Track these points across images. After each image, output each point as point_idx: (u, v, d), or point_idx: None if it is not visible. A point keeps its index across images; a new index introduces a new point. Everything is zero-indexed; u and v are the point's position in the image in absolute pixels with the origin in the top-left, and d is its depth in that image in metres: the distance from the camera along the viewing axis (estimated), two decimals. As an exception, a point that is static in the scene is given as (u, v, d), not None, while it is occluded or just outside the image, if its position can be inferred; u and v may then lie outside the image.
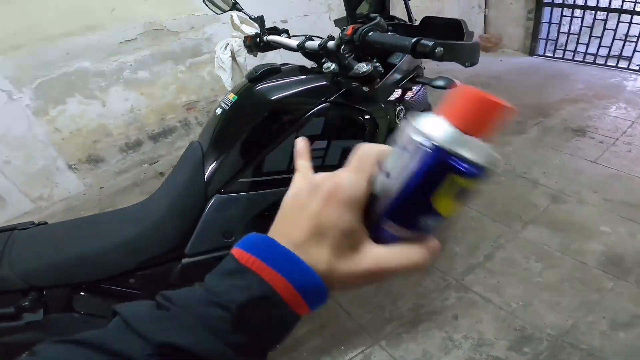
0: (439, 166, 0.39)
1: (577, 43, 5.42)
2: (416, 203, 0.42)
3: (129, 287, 1.40)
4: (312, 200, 0.44)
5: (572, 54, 5.47)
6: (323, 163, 1.50)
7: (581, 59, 5.42)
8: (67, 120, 3.39)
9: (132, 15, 3.42)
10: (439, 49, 1.14)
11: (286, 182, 1.37)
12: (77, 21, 3.19)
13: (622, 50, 5.11)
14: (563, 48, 5.61)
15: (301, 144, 0.54)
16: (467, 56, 1.41)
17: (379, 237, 0.45)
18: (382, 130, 1.66)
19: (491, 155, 0.41)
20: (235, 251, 0.43)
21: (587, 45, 5.32)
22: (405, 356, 2.27)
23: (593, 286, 2.49)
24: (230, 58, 2.71)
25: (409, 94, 1.82)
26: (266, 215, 1.52)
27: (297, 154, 0.53)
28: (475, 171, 0.40)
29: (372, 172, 0.45)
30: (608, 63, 5.22)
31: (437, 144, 0.39)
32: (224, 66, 2.71)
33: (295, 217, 0.44)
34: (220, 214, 1.44)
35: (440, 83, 1.57)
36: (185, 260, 1.44)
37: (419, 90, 1.90)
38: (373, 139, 1.61)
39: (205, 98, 4.01)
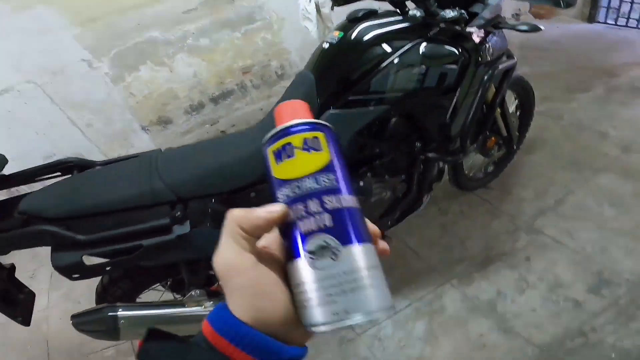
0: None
1: None
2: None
3: (251, 201, 1.50)
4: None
5: (636, 22, 4.99)
6: (422, 86, 1.65)
7: None
8: (141, 86, 3.45)
9: (192, -15, 3.61)
10: None
11: (386, 101, 1.60)
12: (144, -8, 3.37)
13: None
14: (626, 16, 5.11)
15: None
16: None
17: None
18: (473, 65, 1.76)
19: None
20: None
21: None
22: (479, 295, 2.18)
23: (670, 233, 2.34)
24: (315, 10, 2.87)
25: (491, 38, 1.86)
26: (365, 133, 1.66)
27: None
28: (284, 132, 0.45)
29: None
30: None
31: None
32: (310, 17, 2.90)
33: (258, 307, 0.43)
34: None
35: (524, 27, 1.76)
36: None
37: (501, 36, 1.95)
38: (466, 70, 1.74)
39: (259, 62, 3.98)
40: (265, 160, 0.45)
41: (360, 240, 0.41)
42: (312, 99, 1.54)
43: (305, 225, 0.41)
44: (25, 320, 1.51)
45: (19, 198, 1.37)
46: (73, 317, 1.46)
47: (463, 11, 1.61)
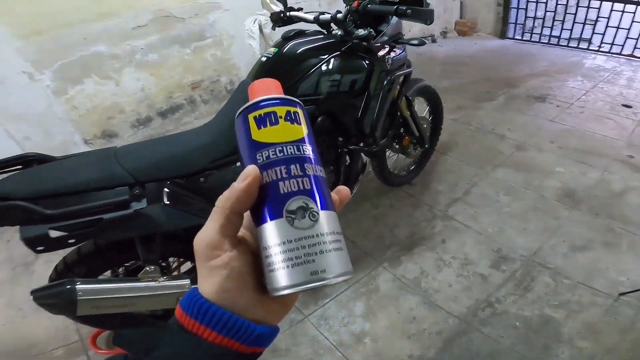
0: (241, 121, 0.47)
1: (543, 27, 5.55)
2: (247, 150, 0.47)
3: (199, 185, 1.60)
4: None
5: (539, 36, 5.56)
6: (338, 90, 1.90)
7: (547, 41, 5.52)
8: (84, 99, 3.31)
9: (142, 3, 3.40)
10: (409, 11, 1.69)
11: (313, 102, 1.84)
12: (93, 8, 3.15)
13: (582, 33, 5.27)
14: (530, 31, 5.69)
15: None
16: (427, 16, 1.73)
17: None
18: (377, 73, 2.04)
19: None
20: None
21: (551, 28, 5.45)
22: (406, 274, 2.36)
23: (552, 214, 2.65)
24: (258, 30, 3.10)
25: (393, 52, 2.16)
26: None
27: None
28: (265, 102, 0.46)
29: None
30: (570, 45, 5.38)
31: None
32: (254, 35, 3.12)
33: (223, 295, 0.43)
34: None
35: (415, 42, 2.15)
36: (239, 164, 1.62)
37: (401, 50, 2.24)
38: (371, 76, 2.02)
39: (209, 77, 3.97)
40: (239, 127, 0.46)
41: (332, 207, 0.43)
42: None
43: (286, 186, 0.41)
44: None
45: None
46: (33, 291, 1.44)
47: (371, 30, 1.89)
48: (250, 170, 0.42)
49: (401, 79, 2.29)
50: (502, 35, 5.93)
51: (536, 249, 2.42)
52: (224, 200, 0.42)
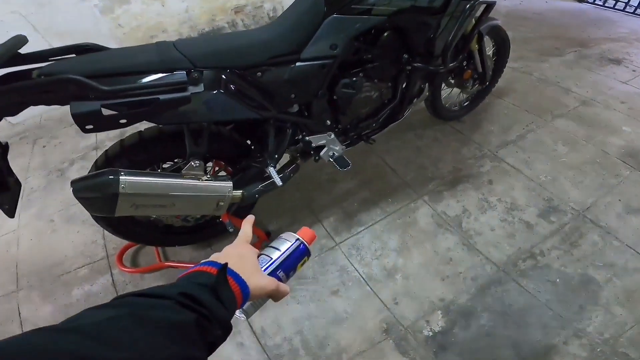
0: (304, 253, 0.71)
1: None
2: (293, 266, 0.69)
3: (256, 79, 1.43)
4: (238, 249, 0.66)
5: (624, 5, 4.43)
6: (414, 4, 1.58)
7: (632, 11, 4.40)
8: (130, 18, 3.08)
9: None
10: None
11: (383, 13, 1.52)
12: None
13: None
14: None
15: (250, 218, 0.76)
16: None
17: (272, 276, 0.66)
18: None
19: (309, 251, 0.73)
20: (199, 268, 0.56)
21: None
22: (447, 211, 1.99)
23: (612, 172, 2.18)
24: None
25: None
26: (360, 39, 1.60)
27: (245, 221, 0.74)
28: (308, 257, 0.72)
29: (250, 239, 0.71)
30: None
31: (306, 244, 0.71)
32: None
33: (230, 256, 0.62)
34: (332, 29, 1.48)
35: None
36: (298, 64, 1.48)
37: None
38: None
39: (252, 3, 3.58)
40: (301, 256, 0.71)
41: None
42: (320, 5, 1.44)
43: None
44: (11, 211, 1.26)
45: (35, 69, 1.18)
46: (73, 182, 1.27)
47: None
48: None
49: (482, 8, 1.89)
50: None
51: (589, 205, 2.00)
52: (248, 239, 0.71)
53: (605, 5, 4.64)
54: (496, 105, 2.73)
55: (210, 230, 1.89)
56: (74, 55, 1.28)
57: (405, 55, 1.76)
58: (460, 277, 1.73)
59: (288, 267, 0.68)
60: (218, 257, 0.61)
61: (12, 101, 1.13)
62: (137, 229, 1.69)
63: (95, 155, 2.61)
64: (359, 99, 1.74)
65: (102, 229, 1.69)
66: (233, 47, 1.38)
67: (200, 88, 1.28)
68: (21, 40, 1.14)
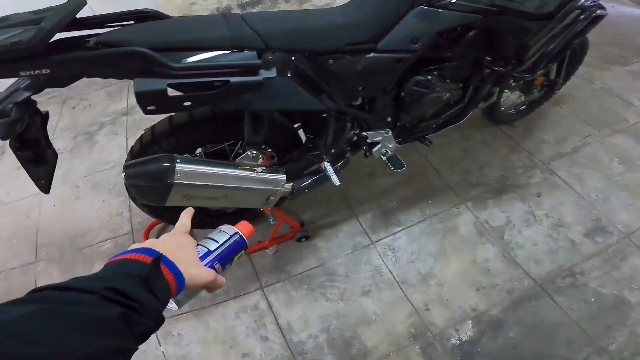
0: (242, 246, 0.72)
1: None
2: (230, 258, 0.70)
3: (328, 67, 1.35)
4: (176, 238, 0.65)
5: None
6: (519, 7, 1.44)
7: None
8: None
9: None
10: None
11: (480, 11, 1.40)
12: None
13: None
14: None
15: (189, 211, 0.75)
16: None
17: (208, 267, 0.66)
18: (573, 3, 1.58)
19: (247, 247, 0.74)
20: (134, 255, 0.54)
21: None
22: (489, 221, 1.95)
23: (667, 196, 2.10)
24: None
25: None
26: (444, 35, 1.52)
27: (184, 213, 0.74)
28: (245, 250, 0.73)
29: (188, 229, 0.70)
30: None
31: (244, 238, 0.72)
32: None
33: (166, 244, 0.60)
34: (418, 21, 1.38)
35: None
36: (372, 55, 1.39)
37: None
38: (565, 6, 1.55)
39: None
40: (239, 248, 0.72)
41: None
42: None
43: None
44: (46, 186, 1.25)
45: (91, 36, 1.13)
46: (126, 167, 1.22)
47: None
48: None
49: (591, 18, 1.75)
50: None
51: (637, 228, 1.92)
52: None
53: None
54: (552, 112, 2.61)
55: (247, 216, 1.86)
56: (132, 22, 1.24)
57: (488, 58, 1.66)
58: (496, 289, 1.71)
59: (224, 259, 0.68)
60: (154, 243, 0.60)
61: (67, 73, 1.09)
62: (173, 210, 1.68)
63: (126, 120, 2.60)
64: (428, 98, 1.64)
65: (128, 200, 1.66)
66: (308, 28, 1.31)
67: (272, 73, 1.20)
68: (80, 3, 1.09)
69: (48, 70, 1.00)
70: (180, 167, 1.20)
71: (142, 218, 1.98)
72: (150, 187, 1.23)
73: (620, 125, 2.51)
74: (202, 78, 1.11)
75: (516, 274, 1.75)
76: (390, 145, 1.73)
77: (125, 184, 1.26)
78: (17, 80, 1.10)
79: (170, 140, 1.39)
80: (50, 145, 1.26)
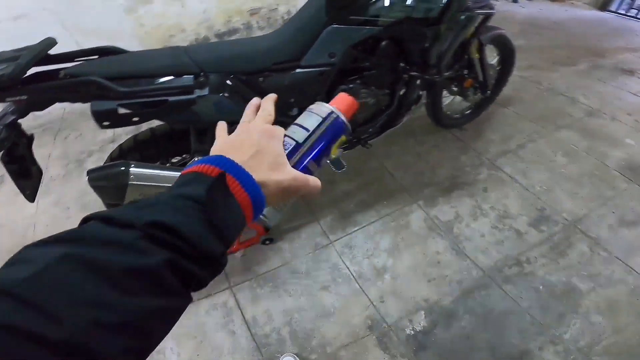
0: (341, 129, 0.55)
1: None
2: (327, 150, 0.54)
3: (259, 84, 1.56)
4: (253, 134, 0.50)
5: None
6: (410, 15, 1.67)
7: None
8: (152, 18, 3.28)
9: None
10: None
11: (381, 24, 1.63)
12: None
13: None
14: (638, 8, 4.50)
15: (254, 102, 0.59)
16: None
17: (298, 168, 0.52)
18: (455, 6, 1.74)
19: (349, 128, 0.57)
20: (191, 169, 0.43)
21: None
22: (439, 216, 2.11)
23: (609, 184, 2.26)
24: None
25: None
26: (358, 48, 1.71)
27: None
28: (348, 134, 0.57)
29: (272, 116, 0.55)
30: None
31: (342, 117, 0.56)
32: None
33: (242, 145, 0.48)
34: (331, 38, 1.60)
35: None
36: (298, 70, 1.61)
37: None
38: (448, 8, 1.73)
39: (268, 5, 3.75)
40: (337, 131, 0.56)
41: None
42: (321, 15, 1.58)
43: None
44: (31, 196, 1.47)
45: (63, 69, 1.36)
46: (89, 171, 1.44)
47: None
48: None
49: (479, 19, 1.97)
50: (603, 7, 4.77)
51: (582, 216, 2.09)
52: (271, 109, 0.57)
53: (628, 14, 4.61)
54: (500, 114, 2.82)
55: None
56: (97, 57, 1.46)
57: (402, 64, 1.88)
58: (446, 280, 1.85)
59: (319, 152, 0.53)
60: (225, 144, 0.50)
61: (41, 98, 1.32)
62: None
63: (112, 148, 2.77)
64: None
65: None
66: (238, 54, 1.53)
67: (205, 91, 1.44)
68: (51, 43, 1.32)
69: (25, 97, 1.25)
70: (133, 170, 1.42)
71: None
72: (109, 187, 1.44)
73: (565, 121, 2.72)
74: (146, 99, 1.36)
75: (465, 264, 1.89)
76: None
77: (90, 185, 1.46)
78: (5, 106, 1.33)
79: (135, 154, 1.63)
80: (34, 162, 1.49)
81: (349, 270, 1.91)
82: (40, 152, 2.83)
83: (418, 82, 1.98)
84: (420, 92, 2.12)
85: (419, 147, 2.56)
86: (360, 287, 1.85)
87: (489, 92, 2.45)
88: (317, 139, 0.53)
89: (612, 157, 2.45)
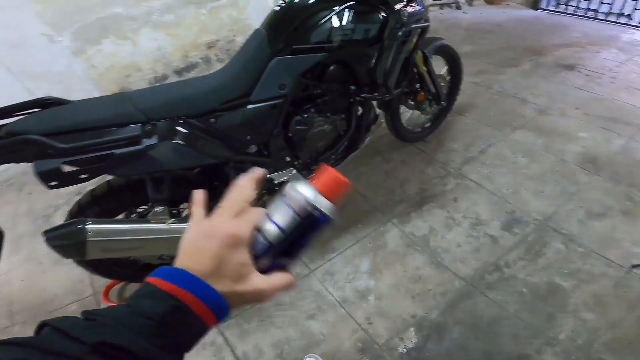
0: (325, 223, 0.46)
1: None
2: (305, 246, 0.47)
3: (210, 125, 1.53)
4: (212, 243, 0.45)
5: (575, 9, 4.93)
6: (351, 38, 1.70)
7: (583, 14, 4.87)
8: (103, 58, 3.19)
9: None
10: None
11: (325, 50, 1.67)
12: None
13: (622, 8, 4.60)
14: (566, 3, 5.05)
15: (198, 195, 0.53)
16: None
17: (270, 265, 0.47)
18: (391, 24, 1.81)
19: (336, 215, 0.47)
20: (152, 280, 0.42)
21: (589, 1, 4.80)
22: (414, 232, 2.14)
23: (571, 179, 2.36)
24: None
25: (411, 7, 1.94)
26: (307, 76, 1.72)
27: (193, 203, 0.52)
28: (331, 224, 0.47)
29: (254, 221, 0.47)
30: (608, 19, 4.70)
31: (325, 209, 0.45)
32: None
33: (203, 254, 0.44)
34: (278, 70, 1.61)
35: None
36: (250, 107, 1.59)
37: (420, 6, 2.00)
38: (385, 27, 1.81)
39: (224, 37, 3.76)
40: (317, 229, 0.47)
41: None
42: (264, 48, 1.60)
43: None
44: None
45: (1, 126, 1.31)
46: (45, 232, 1.39)
47: None
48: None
49: (417, 32, 2.05)
50: (534, 5, 5.27)
51: (551, 213, 2.16)
52: (247, 199, 0.50)
53: (557, 10, 5.08)
54: (458, 122, 2.93)
55: None
56: (39, 109, 1.40)
57: (353, 87, 1.91)
58: (430, 294, 1.86)
59: (296, 250, 0.48)
60: (195, 245, 0.46)
61: None
62: (116, 268, 1.80)
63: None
64: (312, 133, 1.86)
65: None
66: (185, 97, 1.49)
67: (153, 140, 1.38)
68: None
69: None
70: (90, 226, 1.37)
71: (103, 281, 2.07)
72: (67, 245, 1.39)
73: (520, 122, 2.86)
74: (91, 154, 1.30)
75: (446, 276, 1.92)
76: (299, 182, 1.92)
77: (48, 246, 1.40)
78: None
79: (94, 208, 1.56)
80: None
81: (333, 296, 1.90)
82: (6, 209, 2.78)
83: (372, 102, 2.02)
84: (378, 111, 2.18)
85: (386, 164, 2.61)
86: (347, 312, 1.83)
87: (443, 102, 2.55)
88: (293, 239, 0.46)
89: (569, 152, 2.58)
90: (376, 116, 2.18)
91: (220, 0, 3.61)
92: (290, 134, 1.80)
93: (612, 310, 1.73)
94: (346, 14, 1.68)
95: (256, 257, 0.46)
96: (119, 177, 1.51)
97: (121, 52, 3.29)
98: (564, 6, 5.05)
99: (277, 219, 0.46)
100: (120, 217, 1.70)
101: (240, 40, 3.83)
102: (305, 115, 1.79)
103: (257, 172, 0.52)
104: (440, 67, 2.53)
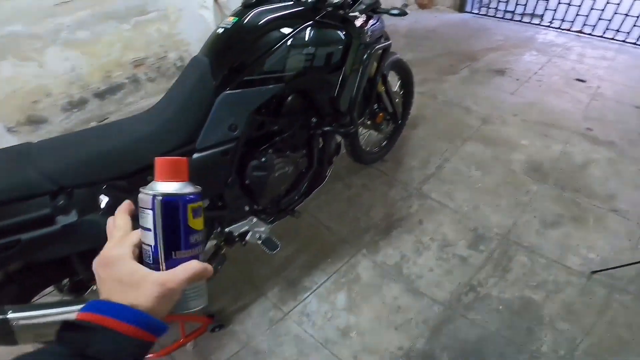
0: (178, 204, 0.48)
1: (498, 1, 5.29)
2: (184, 233, 0.49)
3: (148, 183, 1.17)
4: (99, 270, 0.50)
5: (495, 11, 5.31)
6: (311, 65, 1.53)
7: (501, 16, 5.28)
8: (2, 83, 2.70)
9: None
10: None
11: (282, 80, 1.46)
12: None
13: (534, 9, 5.01)
14: (487, 6, 5.43)
15: (110, 220, 0.56)
16: None
17: (172, 265, 0.49)
18: (355, 46, 1.70)
19: (191, 186, 0.50)
20: (81, 315, 0.44)
21: (507, 3, 5.18)
22: (386, 260, 2.09)
23: (522, 190, 2.46)
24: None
25: (371, 22, 1.85)
26: (262, 111, 1.51)
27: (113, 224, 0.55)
28: (196, 197, 0.50)
29: (131, 239, 0.50)
30: (523, 20, 5.12)
31: (165, 195, 0.48)
32: (207, 5, 2.81)
33: (100, 284, 0.49)
34: (227, 108, 1.37)
35: (395, 12, 1.83)
36: (195, 156, 1.33)
37: (377, 20, 1.92)
38: (348, 50, 1.68)
39: (154, 54, 3.40)
40: (171, 208, 0.48)
41: None
42: (208, 81, 1.35)
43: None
44: None
45: None
46: None
47: None
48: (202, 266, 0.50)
49: (379, 52, 1.98)
50: (461, 8, 5.60)
51: (510, 226, 2.23)
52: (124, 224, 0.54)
53: (481, 13, 5.44)
54: (412, 137, 2.97)
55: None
56: None
57: (314, 119, 1.75)
58: (411, 322, 1.82)
59: (178, 240, 0.49)
60: (99, 275, 0.50)
61: None
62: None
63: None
64: (273, 178, 1.63)
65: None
66: (109, 152, 1.18)
67: (72, 217, 1.09)
68: None
69: None
70: (12, 315, 1.07)
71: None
72: None
73: (467, 133, 2.97)
74: None
75: (424, 302, 1.89)
76: (262, 229, 1.75)
77: None
78: None
79: (12, 287, 1.24)
80: None
81: (314, 338, 1.79)
82: None
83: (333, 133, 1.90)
84: (338, 139, 2.06)
85: (347, 190, 2.55)
86: (331, 352, 1.74)
87: (399, 121, 2.53)
88: (164, 232, 0.49)
89: (515, 161, 2.70)
90: (338, 146, 2.05)
91: (146, 14, 3.28)
92: (247, 181, 1.57)
93: (584, 318, 1.80)
94: (305, 35, 1.49)
95: (153, 263, 0.49)
96: (39, 262, 1.20)
97: (24, 74, 2.83)
98: (486, 8, 5.43)
99: (144, 224, 0.49)
100: (49, 289, 1.41)
101: (173, 56, 3.55)
102: (264, 159, 1.56)
103: (124, 204, 0.56)
104: (393, 82, 2.50)
